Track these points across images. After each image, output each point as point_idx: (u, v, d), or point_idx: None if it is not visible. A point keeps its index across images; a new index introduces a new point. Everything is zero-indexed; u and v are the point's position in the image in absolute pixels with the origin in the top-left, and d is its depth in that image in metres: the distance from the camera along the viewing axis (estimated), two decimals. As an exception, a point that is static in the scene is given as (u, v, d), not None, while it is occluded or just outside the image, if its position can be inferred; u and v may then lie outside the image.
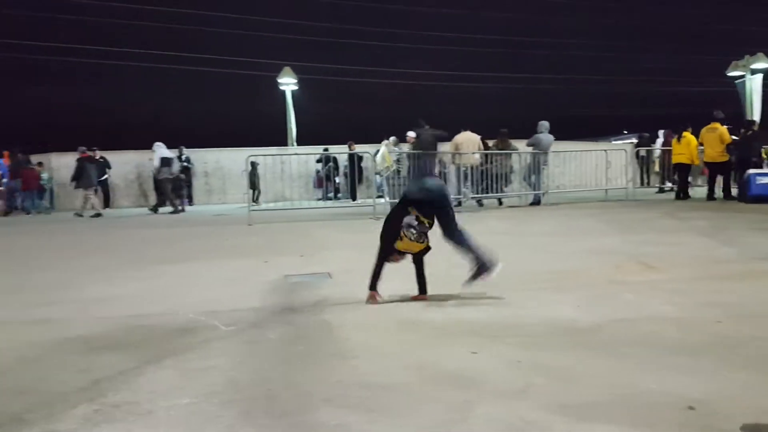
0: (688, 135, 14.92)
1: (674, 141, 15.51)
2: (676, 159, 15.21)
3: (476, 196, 14.34)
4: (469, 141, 14.37)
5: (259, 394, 2.81)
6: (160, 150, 16.83)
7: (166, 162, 16.64)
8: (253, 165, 17.07)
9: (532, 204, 14.69)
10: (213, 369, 3.19)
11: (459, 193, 13.68)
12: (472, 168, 14.10)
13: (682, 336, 3.53)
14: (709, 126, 14.32)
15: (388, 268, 4.59)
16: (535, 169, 14.60)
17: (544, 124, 14.80)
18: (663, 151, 17.72)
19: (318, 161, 19.10)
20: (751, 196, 13.14)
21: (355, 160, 17.74)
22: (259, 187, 17.85)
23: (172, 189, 16.96)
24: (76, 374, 3.20)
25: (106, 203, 19.68)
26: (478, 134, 14.58)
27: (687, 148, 14.83)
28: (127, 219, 15.07)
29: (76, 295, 5.42)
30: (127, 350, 3.63)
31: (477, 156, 14.21)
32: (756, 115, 18.76)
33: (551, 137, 14.90)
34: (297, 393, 2.81)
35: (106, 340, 3.88)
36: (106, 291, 5.52)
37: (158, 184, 16.89)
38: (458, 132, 14.41)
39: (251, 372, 3.13)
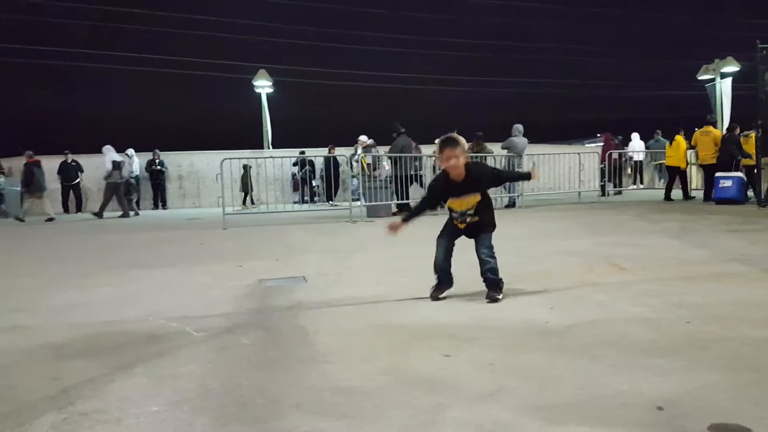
0: (679, 138, 15.29)
1: (666, 144, 16.07)
2: (668, 162, 15.70)
3: None
4: None
5: (230, 400, 2.78)
6: (110, 154, 16.79)
7: (116, 165, 16.58)
8: (246, 168, 17.05)
9: (507, 206, 14.81)
10: (184, 375, 3.15)
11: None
12: None
13: (653, 337, 3.57)
14: (702, 129, 14.68)
15: (354, 278, 4.56)
16: (510, 171, 14.69)
17: (518, 128, 14.94)
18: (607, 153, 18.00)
19: (294, 164, 19.05)
20: (714, 199, 13.44)
21: (331, 163, 17.71)
22: (249, 189, 17.90)
23: (125, 193, 16.95)
24: (46, 382, 3.14)
25: (79, 207, 19.42)
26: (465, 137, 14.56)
27: (677, 151, 15.17)
28: (99, 223, 14.86)
29: (47, 301, 5.32)
30: (97, 357, 3.58)
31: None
32: (726, 118, 19.14)
33: (525, 140, 15.05)
34: (269, 399, 2.78)
35: (77, 347, 3.81)
36: (78, 297, 5.43)
37: (109, 187, 16.76)
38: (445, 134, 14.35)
39: (223, 378, 3.10)
